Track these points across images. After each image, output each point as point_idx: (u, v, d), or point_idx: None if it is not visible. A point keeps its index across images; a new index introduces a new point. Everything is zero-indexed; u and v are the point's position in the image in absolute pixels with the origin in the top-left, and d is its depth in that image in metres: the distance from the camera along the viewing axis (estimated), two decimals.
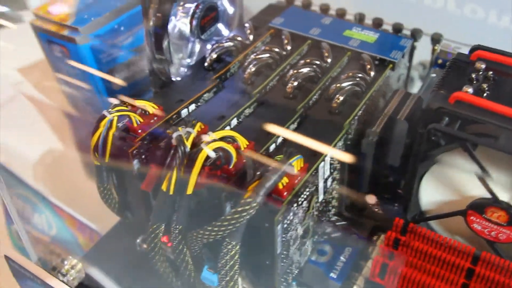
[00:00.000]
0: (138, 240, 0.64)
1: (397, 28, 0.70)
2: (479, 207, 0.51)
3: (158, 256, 0.54)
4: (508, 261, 0.51)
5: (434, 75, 0.69)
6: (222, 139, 0.51)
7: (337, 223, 0.66)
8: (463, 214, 0.53)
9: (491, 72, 0.54)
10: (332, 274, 0.61)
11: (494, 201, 0.50)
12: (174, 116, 0.59)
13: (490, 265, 0.52)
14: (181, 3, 0.66)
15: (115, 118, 0.55)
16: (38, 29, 0.77)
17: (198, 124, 0.53)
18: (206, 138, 0.50)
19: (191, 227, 0.51)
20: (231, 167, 0.51)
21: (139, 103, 0.57)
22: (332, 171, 0.58)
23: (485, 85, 0.52)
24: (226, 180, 0.51)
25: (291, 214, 0.52)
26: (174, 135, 0.51)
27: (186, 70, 0.67)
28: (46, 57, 0.82)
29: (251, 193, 0.47)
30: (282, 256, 0.53)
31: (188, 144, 0.51)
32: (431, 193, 0.56)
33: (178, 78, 0.65)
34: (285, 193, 0.49)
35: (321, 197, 0.58)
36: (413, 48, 0.70)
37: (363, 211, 0.66)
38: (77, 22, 0.75)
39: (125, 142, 0.56)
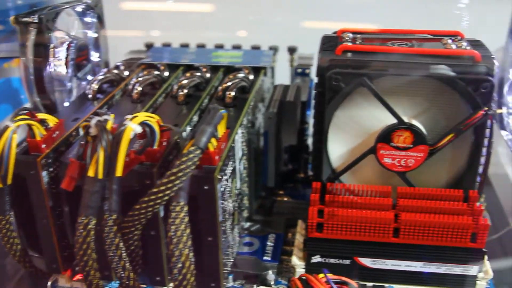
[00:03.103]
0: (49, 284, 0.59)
1: (256, 47, 0.77)
2: (386, 135, 0.56)
3: (91, 261, 0.50)
4: (421, 188, 0.57)
5: (298, 80, 0.76)
6: None
7: (252, 229, 0.66)
8: (373, 151, 0.57)
9: (359, 35, 0.62)
10: (265, 257, 0.61)
11: (399, 123, 0.56)
12: (74, 133, 0.58)
13: (408, 195, 0.57)
14: (52, 46, 0.66)
15: (15, 136, 0.52)
16: None
17: (113, 115, 0.53)
18: (128, 116, 0.49)
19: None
20: (155, 144, 0.51)
21: (40, 115, 0.55)
22: (242, 154, 0.60)
23: (358, 41, 0.60)
24: (154, 159, 0.51)
25: (224, 179, 0.52)
26: (93, 121, 0.49)
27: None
28: None
29: (192, 143, 0.47)
30: (222, 228, 0.53)
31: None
32: (338, 146, 0.60)
33: None
34: (216, 157, 0.50)
35: (238, 183, 0.59)
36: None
37: (273, 208, 0.68)
38: None
39: (30, 155, 0.53)
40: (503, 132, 0.70)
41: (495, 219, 0.77)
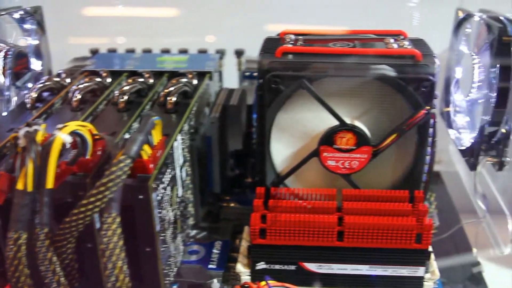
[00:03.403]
0: None
1: (202, 51, 0.76)
2: (329, 137, 0.56)
3: (23, 277, 0.48)
4: (366, 189, 0.56)
5: (246, 83, 0.75)
6: None
7: (198, 236, 0.65)
8: (316, 153, 0.57)
9: (301, 37, 0.61)
10: (211, 266, 0.59)
11: (341, 125, 0.55)
12: (8, 144, 0.56)
13: (353, 197, 0.56)
14: None
15: None
16: None
17: (44, 125, 0.51)
18: (58, 126, 0.48)
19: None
20: (88, 154, 0.49)
21: None
22: (184, 161, 0.59)
23: (299, 42, 0.59)
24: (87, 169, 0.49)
25: (161, 188, 0.51)
26: (22, 132, 0.48)
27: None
28: None
29: (122, 152, 0.46)
30: (161, 238, 0.51)
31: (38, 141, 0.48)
32: (282, 150, 0.59)
33: None
34: (151, 165, 0.49)
35: (180, 191, 0.58)
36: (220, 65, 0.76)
37: (220, 214, 0.67)
38: None
39: None
40: (451, 131, 0.69)
41: (447, 217, 0.77)
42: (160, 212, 0.51)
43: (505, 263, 0.69)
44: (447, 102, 0.72)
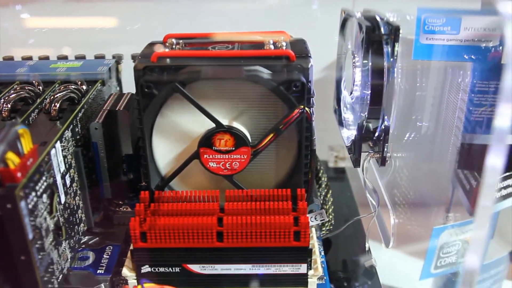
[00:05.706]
0: None
1: (99, 57, 0.76)
2: (207, 140, 0.56)
3: None
4: (249, 189, 0.57)
5: None
6: None
7: (90, 242, 0.65)
8: (197, 156, 0.57)
9: (182, 41, 0.61)
10: (99, 271, 0.60)
11: (217, 127, 0.56)
12: None
13: (236, 198, 0.57)
14: None
15: None
16: None
17: None
18: None
19: None
20: None
21: None
22: (67, 167, 0.59)
23: (177, 46, 0.59)
24: None
25: (34, 196, 0.51)
26: None
27: None
28: None
29: None
30: (37, 246, 0.51)
31: None
32: (165, 153, 0.60)
33: None
34: (18, 174, 0.49)
35: (62, 197, 0.58)
36: (118, 70, 0.76)
37: (113, 219, 0.67)
38: None
39: None
40: (343, 129, 0.71)
41: (348, 212, 0.79)
42: (33, 220, 0.50)
43: (397, 256, 0.71)
44: (338, 100, 0.73)
